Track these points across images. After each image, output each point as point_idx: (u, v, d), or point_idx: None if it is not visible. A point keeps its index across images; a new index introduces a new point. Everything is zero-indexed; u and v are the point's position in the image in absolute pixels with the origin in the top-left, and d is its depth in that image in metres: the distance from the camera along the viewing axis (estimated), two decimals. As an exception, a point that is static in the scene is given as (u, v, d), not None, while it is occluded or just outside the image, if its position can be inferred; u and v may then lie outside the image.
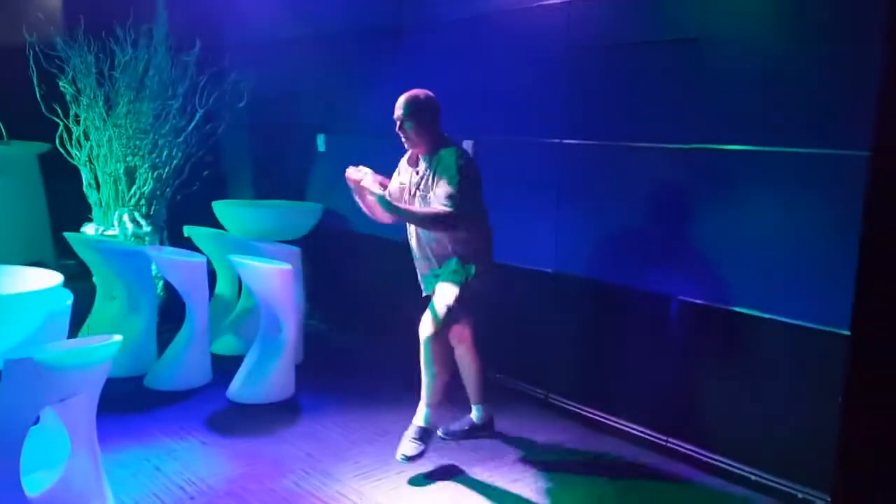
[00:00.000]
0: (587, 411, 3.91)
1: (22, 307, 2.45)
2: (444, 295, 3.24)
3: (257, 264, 4.12)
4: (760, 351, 3.24)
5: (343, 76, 5.40)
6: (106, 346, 2.47)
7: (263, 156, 6.31)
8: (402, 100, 3.27)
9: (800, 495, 3.11)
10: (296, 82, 5.79)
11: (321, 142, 5.60)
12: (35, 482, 2.63)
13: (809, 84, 3.02)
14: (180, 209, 5.36)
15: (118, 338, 2.50)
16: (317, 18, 5.51)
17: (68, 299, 2.90)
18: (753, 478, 3.26)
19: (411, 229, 3.40)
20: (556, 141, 3.97)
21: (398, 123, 3.26)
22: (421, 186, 3.29)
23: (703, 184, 3.39)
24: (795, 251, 3.09)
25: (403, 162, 3.43)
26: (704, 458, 3.43)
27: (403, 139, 3.29)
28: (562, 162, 3.97)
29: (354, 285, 5.35)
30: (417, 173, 3.32)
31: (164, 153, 5.08)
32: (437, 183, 3.20)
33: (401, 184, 3.40)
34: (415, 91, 3.29)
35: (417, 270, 3.50)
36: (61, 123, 4.93)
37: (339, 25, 5.34)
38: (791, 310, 3.11)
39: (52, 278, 2.64)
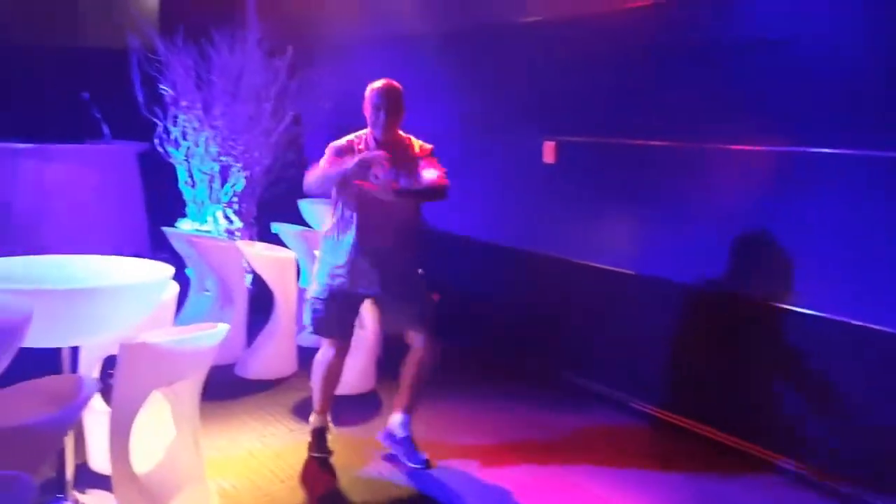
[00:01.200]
0: (666, 415, 3.92)
1: (138, 296, 2.64)
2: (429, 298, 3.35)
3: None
4: (849, 358, 3.20)
5: (423, 77, 5.53)
6: (212, 333, 2.64)
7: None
8: (394, 90, 3.26)
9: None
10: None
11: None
12: (142, 460, 2.83)
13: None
14: (268, 207, 5.59)
15: (224, 326, 2.67)
16: (398, 20, 5.65)
17: (175, 290, 3.10)
18: (843, 490, 3.21)
19: (371, 218, 3.25)
20: (641, 142, 3.99)
21: (386, 113, 3.22)
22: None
23: (792, 186, 3.37)
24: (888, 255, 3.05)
25: (351, 147, 3.29)
26: (788, 467, 3.40)
27: (384, 125, 3.23)
28: (645, 164, 3.99)
29: (434, 281, 5.46)
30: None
31: (256, 153, 5.32)
32: (420, 163, 3.23)
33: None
34: (393, 82, 3.29)
35: (356, 266, 3.29)
36: (161, 124, 5.21)
37: (422, 27, 5.47)
38: (874, 315, 3.06)
39: (163, 270, 2.83)
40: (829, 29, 3.21)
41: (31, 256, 3.13)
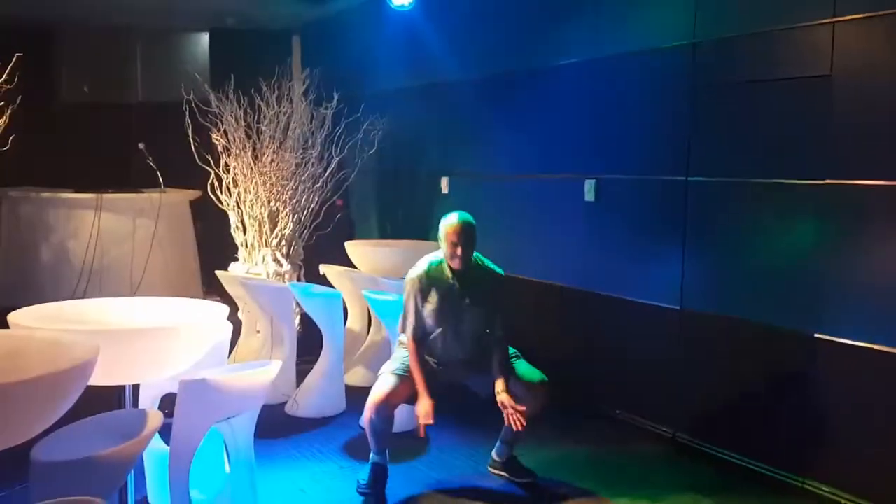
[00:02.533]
0: (717, 451, 3.89)
1: (196, 335, 2.76)
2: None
3: (389, 298, 4.37)
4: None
5: (464, 121, 5.68)
6: (267, 369, 2.75)
7: (390, 198, 6.66)
8: (470, 227, 3.46)
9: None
10: (420, 129, 6.13)
11: (444, 184, 5.88)
12: (201, 495, 2.93)
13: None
14: (315, 249, 5.75)
15: (278, 362, 2.78)
16: (439, 68, 5.83)
17: (229, 330, 3.23)
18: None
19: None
20: (682, 178, 4.04)
21: (463, 248, 3.43)
22: (463, 300, 3.49)
23: (834, 219, 3.38)
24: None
25: (429, 282, 3.52)
26: (844, 502, 3.35)
27: (462, 260, 3.45)
28: (687, 199, 4.03)
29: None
30: (454, 288, 3.50)
31: (304, 198, 5.49)
32: (492, 299, 3.53)
33: (432, 305, 3.51)
34: (468, 218, 3.49)
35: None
36: (212, 172, 5.42)
37: (458, 73, 5.63)
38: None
39: (219, 310, 2.96)
40: (873, 63, 3.25)
41: (95, 299, 3.29)
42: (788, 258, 3.57)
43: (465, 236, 3.46)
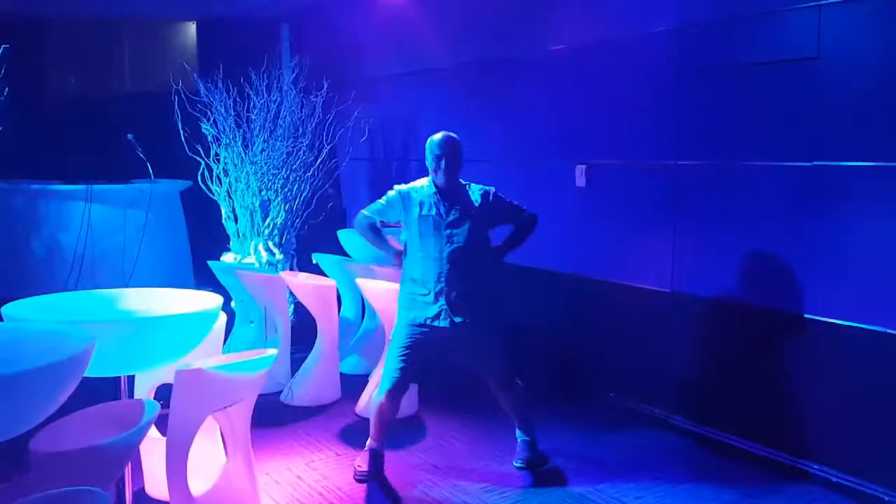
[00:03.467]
0: (709, 432, 3.93)
1: (193, 325, 2.77)
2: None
3: (382, 286, 4.38)
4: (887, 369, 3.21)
5: (455, 108, 5.67)
6: (263, 358, 2.76)
7: (382, 186, 6.64)
8: (453, 141, 3.52)
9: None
10: (411, 116, 6.12)
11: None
12: (198, 484, 2.94)
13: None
14: (308, 238, 5.75)
15: (273, 351, 2.79)
16: (429, 54, 5.82)
17: (224, 320, 3.23)
18: (889, 500, 3.21)
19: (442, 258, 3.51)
20: (672, 162, 4.06)
21: (447, 161, 3.48)
22: (450, 214, 3.50)
23: (823, 200, 3.41)
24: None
25: (409, 197, 3.57)
26: (835, 479, 3.40)
27: (445, 173, 3.49)
28: (677, 183, 4.05)
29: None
30: (438, 205, 3.51)
31: (295, 187, 5.49)
32: (494, 203, 3.57)
33: (431, 215, 3.52)
34: (452, 134, 3.56)
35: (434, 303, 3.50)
36: (202, 162, 5.41)
37: (449, 60, 5.62)
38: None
39: (214, 300, 2.96)
40: (859, 45, 3.27)
41: (88, 291, 3.29)
42: (777, 240, 3.60)
43: (449, 149, 3.50)
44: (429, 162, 3.54)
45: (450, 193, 3.54)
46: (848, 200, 3.31)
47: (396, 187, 3.64)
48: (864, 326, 3.26)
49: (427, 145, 3.55)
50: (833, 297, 3.38)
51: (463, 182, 3.62)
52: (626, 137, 4.35)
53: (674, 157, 4.05)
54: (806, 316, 3.48)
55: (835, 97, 3.33)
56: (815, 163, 3.41)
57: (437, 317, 3.46)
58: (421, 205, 3.52)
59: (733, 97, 3.75)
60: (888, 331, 3.17)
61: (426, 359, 3.53)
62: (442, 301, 3.45)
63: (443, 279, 3.46)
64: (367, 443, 3.57)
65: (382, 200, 3.67)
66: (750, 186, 3.70)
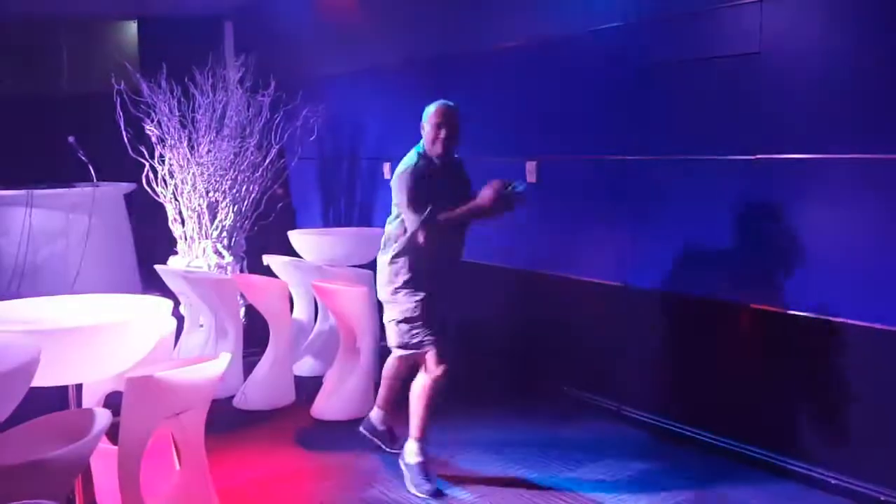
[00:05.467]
0: (660, 422, 4.01)
1: (141, 331, 2.71)
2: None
3: (338, 288, 4.36)
4: (843, 357, 3.31)
5: (403, 106, 5.65)
6: (216, 363, 2.71)
7: (332, 185, 6.60)
8: (452, 109, 3.39)
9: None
10: (359, 114, 6.08)
11: (387, 170, 5.86)
12: (152, 494, 2.87)
13: (866, 91, 3.13)
14: (258, 239, 5.67)
15: (227, 355, 2.74)
16: (375, 52, 5.80)
17: (173, 325, 3.17)
18: (835, 482, 3.32)
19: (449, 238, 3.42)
20: (619, 157, 4.13)
21: (445, 129, 3.34)
22: (453, 188, 3.42)
23: (767, 192, 3.50)
24: (860, 256, 3.18)
25: (421, 170, 3.38)
26: (785, 465, 3.50)
27: (445, 146, 3.36)
28: (624, 178, 4.12)
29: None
30: (439, 180, 3.38)
31: (244, 188, 5.41)
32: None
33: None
34: (449, 102, 3.42)
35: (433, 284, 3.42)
36: (147, 164, 5.28)
37: (398, 57, 5.61)
38: (851, 310, 3.19)
39: (163, 305, 2.90)
40: (800, 40, 3.37)
41: (32, 298, 3.19)
42: (726, 233, 3.69)
43: (448, 117, 3.36)
44: (425, 132, 3.38)
45: (447, 168, 3.42)
46: (792, 192, 3.41)
47: (415, 171, 3.35)
48: (807, 315, 3.36)
49: (425, 114, 3.40)
50: (777, 286, 3.48)
51: (458, 158, 3.54)
52: (577, 133, 4.39)
53: (621, 152, 4.11)
54: (752, 306, 3.57)
55: (775, 91, 3.42)
56: (759, 156, 3.50)
57: None
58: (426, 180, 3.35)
59: (680, 92, 3.83)
60: (832, 319, 3.28)
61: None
62: None
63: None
64: (375, 415, 3.75)
65: (413, 187, 3.32)
66: (696, 180, 3.78)
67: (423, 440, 3.47)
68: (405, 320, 3.41)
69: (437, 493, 3.35)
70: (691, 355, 3.89)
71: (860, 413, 3.23)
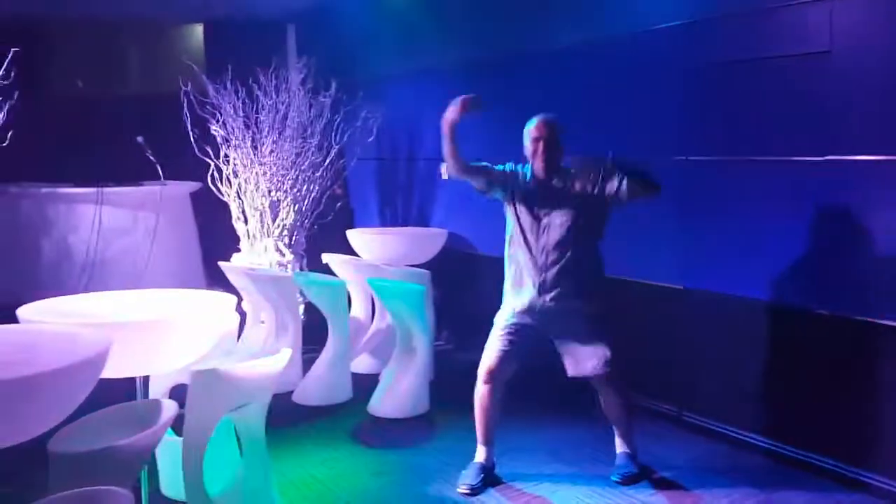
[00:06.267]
0: (722, 428, 3.92)
1: (207, 326, 2.78)
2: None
3: (395, 286, 4.39)
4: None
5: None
6: (278, 357, 2.76)
7: (389, 186, 6.66)
8: (551, 122, 3.35)
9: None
10: (417, 114, 6.11)
11: (444, 170, 5.87)
12: (214, 483, 2.94)
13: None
14: (317, 238, 5.76)
15: (287, 350, 2.79)
16: (434, 52, 5.81)
17: (237, 320, 3.24)
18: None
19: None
20: (682, 158, 4.05)
21: (544, 143, 3.30)
22: (549, 202, 3.35)
23: (835, 195, 3.40)
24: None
25: (513, 174, 3.43)
26: (849, 474, 3.39)
27: (543, 156, 3.32)
28: (688, 178, 4.04)
29: (478, 306, 5.54)
30: (534, 193, 3.36)
31: (304, 188, 5.50)
32: (604, 179, 3.31)
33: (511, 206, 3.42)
34: (549, 116, 3.40)
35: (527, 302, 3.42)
36: (212, 163, 5.42)
37: (456, 58, 5.61)
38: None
39: (227, 300, 2.97)
40: (863, 38, 3.26)
41: (102, 293, 3.30)
42: (790, 235, 3.59)
43: (549, 130, 3.28)
44: (526, 147, 3.36)
45: (548, 185, 3.34)
46: (861, 194, 3.30)
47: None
48: (874, 321, 3.25)
49: (525, 129, 3.37)
50: (843, 292, 3.37)
51: (566, 170, 3.39)
52: (638, 133, 4.32)
53: (683, 152, 4.04)
54: (816, 311, 3.47)
55: (845, 91, 3.32)
56: (828, 157, 3.40)
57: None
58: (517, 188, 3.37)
59: (745, 92, 3.74)
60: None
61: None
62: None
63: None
64: (476, 451, 3.53)
65: (496, 168, 3.42)
66: (761, 181, 3.69)
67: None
68: None
69: (473, 491, 3.37)
70: (755, 361, 3.80)
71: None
